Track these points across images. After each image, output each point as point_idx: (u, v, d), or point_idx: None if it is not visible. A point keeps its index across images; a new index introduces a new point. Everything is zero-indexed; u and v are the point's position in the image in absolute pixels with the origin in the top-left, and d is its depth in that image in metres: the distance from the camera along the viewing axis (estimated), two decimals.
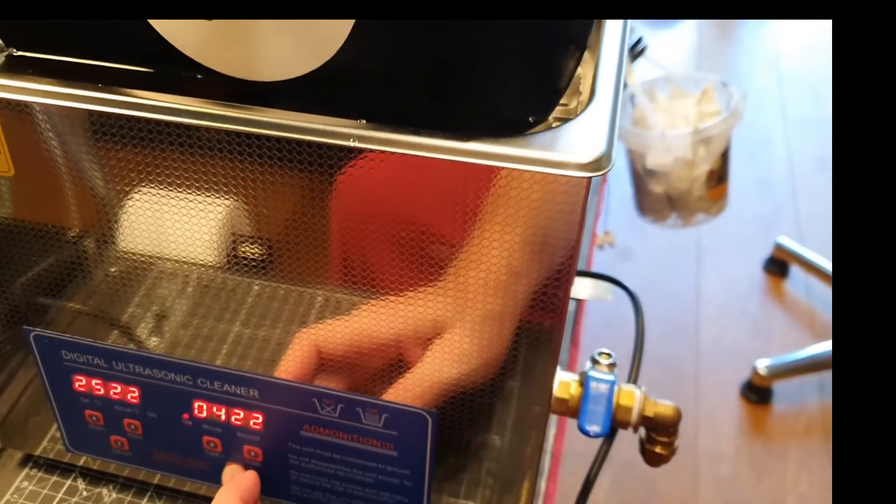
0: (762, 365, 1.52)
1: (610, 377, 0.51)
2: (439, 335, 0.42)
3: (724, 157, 1.01)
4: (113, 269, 0.48)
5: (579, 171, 0.35)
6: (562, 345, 0.71)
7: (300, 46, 0.42)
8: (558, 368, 0.53)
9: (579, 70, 0.47)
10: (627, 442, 0.57)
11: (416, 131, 0.37)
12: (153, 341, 0.49)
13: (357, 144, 0.37)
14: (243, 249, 0.45)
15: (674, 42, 2.43)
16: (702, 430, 1.50)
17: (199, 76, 0.46)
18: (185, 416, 0.49)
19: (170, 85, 0.46)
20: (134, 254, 0.46)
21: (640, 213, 1.12)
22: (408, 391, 0.44)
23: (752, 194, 1.96)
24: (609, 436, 0.53)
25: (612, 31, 0.45)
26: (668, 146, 0.97)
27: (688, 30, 2.48)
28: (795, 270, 1.76)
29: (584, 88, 0.45)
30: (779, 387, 1.55)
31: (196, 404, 0.49)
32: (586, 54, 0.47)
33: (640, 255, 1.82)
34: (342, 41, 0.43)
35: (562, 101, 0.43)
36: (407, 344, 0.43)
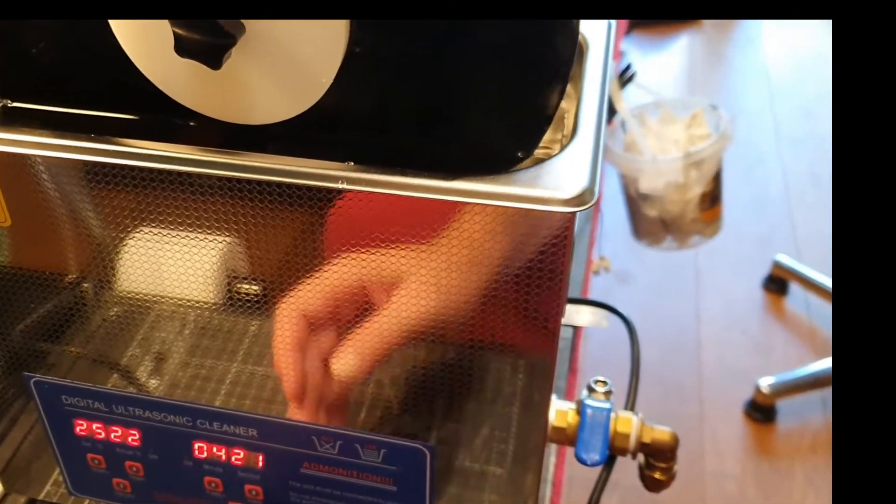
0: (765, 383, 1.52)
1: (606, 405, 0.51)
2: (403, 282, 0.42)
3: (717, 179, 1.02)
4: (110, 313, 0.48)
5: (564, 206, 0.35)
6: (558, 373, 0.71)
7: (288, 90, 0.43)
8: (554, 397, 0.53)
9: (563, 103, 0.47)
10: (633, 465, 0.57)
11: (403, 171, 0.38)
12: (153, 383, 0.50)
13: (345, 186, 0.38)
14: (239, 288, 0.46)
15: (665, 65, 2.45)
16: (707, 450, 1.50)
17: (191, 123, 0.47)
18: (186, 457, 0.50)
19: (163, 132, 0.47)
20: (131, 296, 0.47)
21: (636, 237, 1.13)
22: (371, 333, 0.43)
23: (749, 213, 1.97)
24: (608, 463, 0.54)
25: (594, 63, 0.46)
26: (660, 170, 0.98)
27: (679, 52, 2.50)
28: (795, 288, 1.77)
29: (568, 121, 0.45)
30: (782, 405, 1.55)
31: (196, 445, 0.49)
32: (569, 87, 0.48)
33: (639, 279, 1.82)
34: (328, 84, 0.44)
35: (547, 135, 0.44)
36: (376, 292, 0.42)
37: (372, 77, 0.44)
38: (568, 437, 0.52)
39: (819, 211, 1.94)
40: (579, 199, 0.35)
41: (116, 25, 0.42)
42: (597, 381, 0.54)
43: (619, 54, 2.39)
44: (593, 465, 0.47)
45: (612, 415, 0.53)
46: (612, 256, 1.80)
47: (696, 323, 1.74)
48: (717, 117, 1.02)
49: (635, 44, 2.49)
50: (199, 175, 0.40)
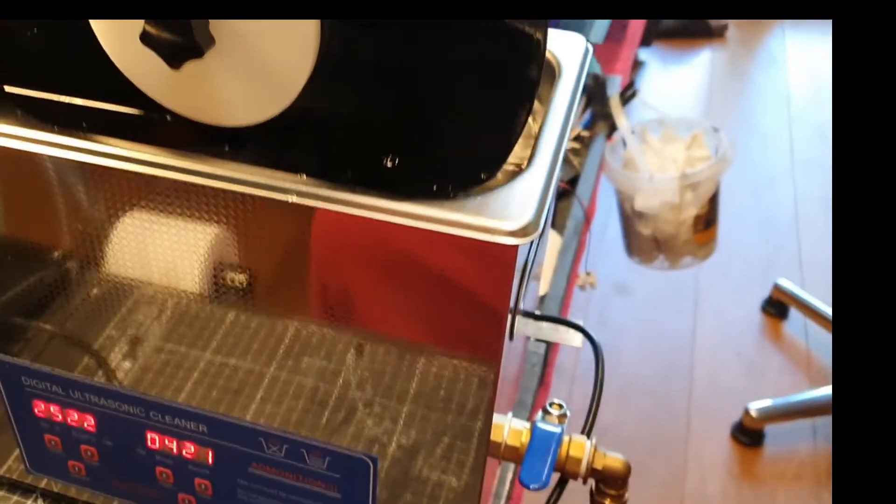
0: (754, 407, 1.52)
1: (556, 429, 0.51)
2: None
3: (713, 202, 1.02)
4: (78, 297, 0.49)
5: (507, 237, 0.36)
6: (526, 387, 0.71)
7: (258, 95, 0.44)
8: (510, 415, 0.54)
9: (530, 120, 0.48)
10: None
11: (353, 189, 0.38)
12: (120, 368, 0.50)
13: (296, 200, 0.38)
14: (224, 277, 0.46)
15: (686, 78, 2.44)
16: (690, 468, 1.49)
17: (168, 118, 0.47)
18: (139, 446, 0.51)
19: (142, 126, 0.48)
20: (97, 280, 0.47)
21: (628, 253, 1.13)
22: None
23: (755, 234, 1.96)
24: (559, 485, 0.54)
25: (565, 88, 0.46)
26: (656, 189, 0.97)
27: (700, 66, 2.49)
28: (795, 313, 1.76)
29: (530, 142, 0.45)
30: (771, 430, 1.54)
31: (149, 435, 0.50)
32: (537, 105, 0.48)
33: (638, 292, 1.82)
34: (299, 89, 0.44)
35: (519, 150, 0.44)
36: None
37: (340, 87, 0.44)
38: (520, 457, 0.53)
39: (827, 237, 1.93)
40: (522, 232, 0.36)
41: (98, 24, 0.42)
42: (552, 404, 0.54)
43: (638, 64, 2.38)
44: (535, 489, 0.47)
45: (566, 438, 0.53)
46: (613, 268, 1.79)
47: (692, 340, 1.74)
48: (718, 140, 1.02)
49: (657, 55, 2.48)
50: (157, 176, 0.40)
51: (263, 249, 0.42)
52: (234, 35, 0.41)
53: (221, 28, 0.41)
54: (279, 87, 0.43)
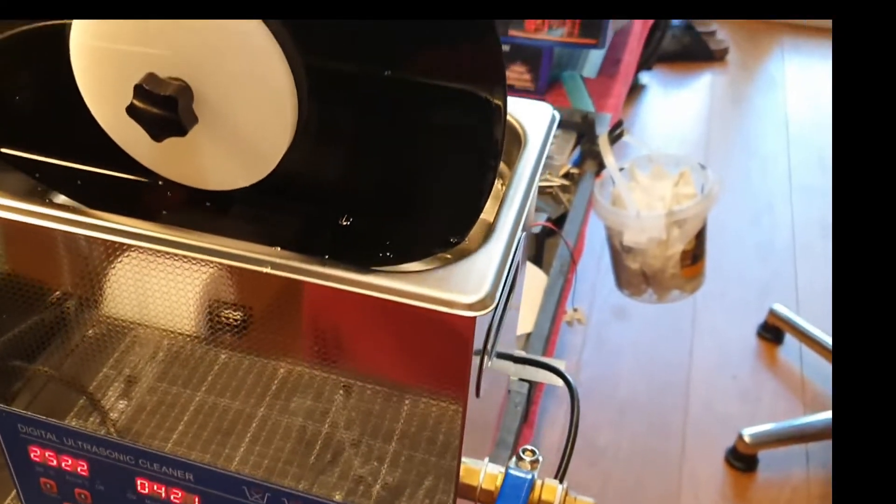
0: (748, 433, 1.53)
1: (527, 476, 0.54)
2: None
3: (699, 237, 1.04)
4: (69, 340, 0.52)
5: (465, 310, 0.38)
6: (508, 428, 0.74)
7: (242, 163, 0.46)
8: (486, 459, 0.56)
9: (498, 184, 0.50)
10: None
11: (323, 261, 0.41)
12: (115, 408, 0.53)
13: (271, 271, 0.41)
14: (219, 316, 0.48)
15: (686, 102, 2.47)
16: (684, 492, 1.51)
17: (160, 182, 0.50)
18: (130, 491, 0.53)
19: (131, 187, 0.51)
20: (99, 322, 0.50)
21: (618, 286, 1.15)
22: None
23: (752, 259, 1.98)
24: None
25: (528, 159, 0.48)
26: (643, 226, 1.00)
27: (700, 90, 2.51)
28: (790, 338, 1.77)
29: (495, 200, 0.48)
30: (764, 455, 1.56)
31: (139, 481, 0.53)
32: (506, 169, 0.51)
33: (635, 315, 1.84)
34: (279, 158, 0.47)
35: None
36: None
37: (317, 157, 0.47)
38: (495, 501, 0.55)
39: (824, 263, 1.95)
40: (480, 305, 0.38)
41: (83, 83, 0.45)
42: (525, 451, 0.56)
43: (639, 88, 2.41)
44: None
45: (538, 482, 0.55)
46: (611, 292, 1.81)
47: (688, 363, 1.75)
48: (705, 178, 1.04)
49: (657, 79, 2.50)
50: (140, 246, 0.43)
51: (249, 300, 0.44)
52: (216, 109, 0.44)
53: (204, 103, 0.44)
54: (260, 157, 0.45)
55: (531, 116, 0.50)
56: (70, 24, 0.45)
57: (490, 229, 0.43)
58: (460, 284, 0.39)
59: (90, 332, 0.52)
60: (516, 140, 0.49)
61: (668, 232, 1.00)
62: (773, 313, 1.77)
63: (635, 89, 2.40)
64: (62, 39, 0.46)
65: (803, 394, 1.69)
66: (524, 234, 0.49)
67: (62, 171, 0.53)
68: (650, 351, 1.78)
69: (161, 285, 0.45)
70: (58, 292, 0.50)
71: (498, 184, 0.52)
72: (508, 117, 0.50)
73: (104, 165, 0.52)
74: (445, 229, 0.46)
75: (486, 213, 0.47)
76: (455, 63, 0.42)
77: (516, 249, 0.44)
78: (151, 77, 0.42)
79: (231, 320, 0.46)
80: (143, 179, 0.51)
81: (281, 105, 0.43)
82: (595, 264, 1.84)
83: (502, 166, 0.52)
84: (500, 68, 0.42)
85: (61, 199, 0.55)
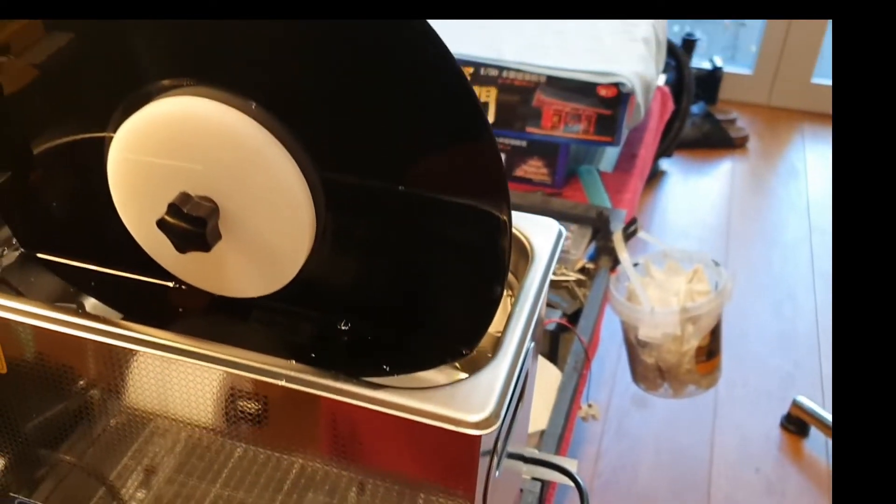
0: None
1: None
2: None
3: (714, 333, 1.05)
4: (92, 432, 0.53)
5: (470, 428, 0.40)
6: None
7: (263, 274, 0.49)
8: None
9: (508, 298, 0.52)
10: None
11: (336, 376, 0.42)
12: (134, 498, 0.54)
13: (286, 384, 0.43)
14: (236, 415, 0.50)
15: (706, 189, 2.49)
16: None
17: (184, 287, 0.53)
18: None
19: (159, 293, 0.53)
20: (121, 413, 0.52)
21: (634, 381, 1.16)
22: None
23: (774, 348, 1.97)
24: None
25: (535, 276, 0.50)
26: (657, 322, 1.01)
27: (721, 177, 2.54)
28: (815, 431, 1.75)
29: (501, 318, 0.50)
30: None
31: None
32: (512, 278, 0.53)
33: (656, 403, 1.83)
34: (297, 269, 0.49)
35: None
36: None
37: (333, 268, 0.49)
38: None
39: None
40: (485, 423, 0.40)
41: (117, 193, 0.48)
42: None
43: (660, 174, 2.44)
44: None
45: None
46: (631, 379, 1.81)
47: (710, 455, 1.73)
48: (719, 274, 1.05)
49: (677, 166, 2.53)
50: (164, 357, 0.45)
51: (266, 403, 0.46)
52: (239, 223, 0.47)
53: (228, 217, 0.47)
54: (280, 268, 0.48)
55: (539, 232, 0.52)
56: (109, 137, 0.49)
57: (497, 343, 0.45)
58: (466, 402, 0.41)
59: (112, 422, 0.54)
60: (524, 254, 0.51)
61: (683, 328, 1.01)
62: (796, 405, 1.75)
63: (655, 176, 2.43)
64: (99, 151, 0.50)
65: (829, 489, 1.66)
66: (533, 344, 0.51)
67: (92, 275, 0.56)
68: (671, 441, 1.76)
69: (181, 386, 0.47)
70: (82, 384, 0.52)
71: (507, 294, 0.54)
72: (517, 232, 0.52)
73: (132, 270, 0.55)
74: (457, 340, 0.48)
75: (496, 323, 0.48)
76: (460, 179, 0.45)
77: (523, 363, 0.46)
78: (185, 197, 0.45)
79: (247, 419, 0.48)
80: (168, 284, 0.53)
81: (299, 218, 0.46)
82: (616, 352, 1.84)
83: (511, 277, 0.54)
84: (504, 185, 0.44)
85: (91, 301, 0.58)
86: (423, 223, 0.47)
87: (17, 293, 0.55)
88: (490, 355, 0.46)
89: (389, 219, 0.48)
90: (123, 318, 0.58)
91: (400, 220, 0.47)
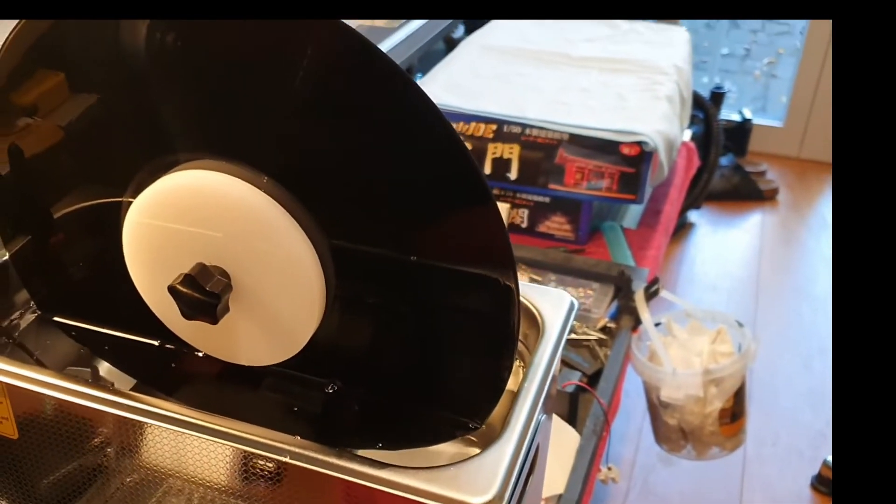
0: None
1: None
2: None
3: (738, 395, 1.03)
4: (107, 490, 0.53)
5: None
6: None
7: (271, 344, 0.49)
8: None
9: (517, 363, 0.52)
10: None
11: (340, 454, 0.42)
12: None
13: (289, 461, 0.43)
14: (245, 477, 0.49)
15: (735, 241, 2.47)
16: None
17: (194, 353, 0.53)
18: None
19: (170, 358, 0.54)
20: (135, 471, 0.52)
21: (657, 442, 1.14)
22: None
23: (805, 405, 1.93)
24: None
25: (545, 350, 0.50)
26: (680, 383, 0.99)
27: (750, 229, 2.52)
28: None
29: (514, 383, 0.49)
30: None
31: None
32: (523, 348, 0.52)
33: (683, 461, 1.79)
34: (307, 339, 0.49)
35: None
36: None
37: (342, 338, 0.49)
38: None
39: None
40: None
41: (130, 257, 0.49)
42: None
43: (688, 226, 2.43)
44: None
45: None
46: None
47: None
48: (742, 335, 1.04)
49: (706, 217, 2.52)
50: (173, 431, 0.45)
51: (272, 473, 0.46)
52: (249, 292, 0.47)
53: (239, 286, 0.47)
54: (290, 338, 0.48)
55: (550, 304, 0.52)
56: (126, 202, 0.50)
57: (505, 421, 0.44)
58: (472, 483, 0.40)
59: (123, 483, 0.53)
60: (535, 326, 0.51)
61: (706, 390, 1.00)
62: (827, 465, 1.71)
63: (683, 228, 2.42)
64: (116, 216, 0.50)
65: None
66: (543, 416, 0.50)
67: (106, 339, 0.56)
68: (698, 500, 1.72)
69: (190, 454, 0.47)
70: (94, 448, 0.52)
71: (518, 365, 0.53)
72: (528, 304, 0.52)
73: (144, 335, 0.55)
74: (466, 414, 0.48)
75: (511, 385, 0.48)
76: (465, 247, 0.45)
77: (532, 439, 0.45)
78: (200, 268, 0.45)
79: (255, 488, 0.47)
80: (179, 349, 0.53)
81: (309, 288, 0.46)
82: (642, 406, 1.82)
83: (522, 348, 0.53)
84: (509, 255, 0.44)
85: (106, 364, 0.59)
86: (430, 292, 0.47)
87: (33, 357, 0.55)
88: (499, 427, 0.46)
89: (397, 287, 0.48)
90: (136, 383, 0.58)
91: (407, 289, 0.47)
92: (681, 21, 1.91)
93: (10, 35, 0.46)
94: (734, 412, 1.03)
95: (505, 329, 0.45)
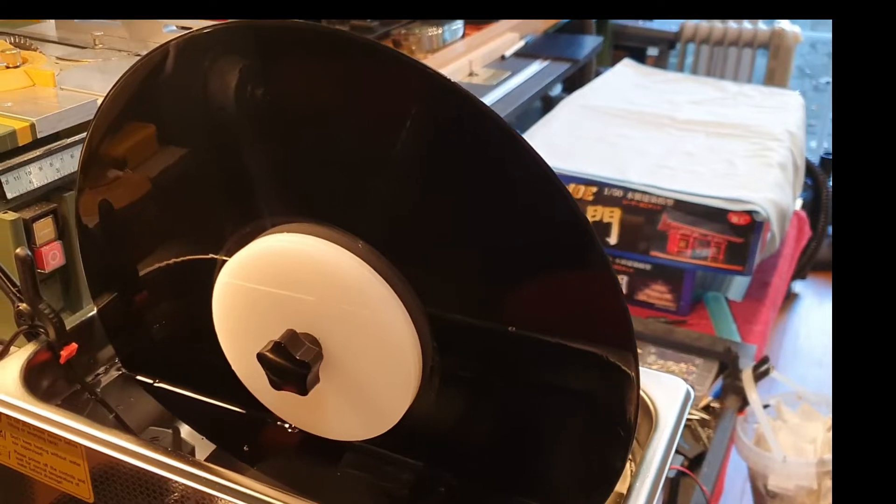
0: None
1: None
2: None
3: None
4: None
5: None
6: None
7: (364, 417, 0.46)
8: None
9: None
10: None
11: None
12: None
13: None
14: None
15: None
16: None
17: (279, 423, 0.50)
18: None
19: (254, 427, 0.51)
20: None
21: None
22: None
23: None
24: None
25: (660, 440, 0.45)
26: (790, 473, 0.92)
27: None
28: None
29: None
30: None
31: None
32: (636, 446, 0.48)
33: None
34: (398, 418, 0.46)
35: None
36: None
37: (437, 416, 0.45)
38: None
39: None
40: None
41: (220, 323, 0.46)
42: None
43: (792, 296, 2.31)
44: None
45: None
46: None
47: None
48: None
49: (811, 288, 2.40)
50: None
51: None
52: (342, 364, 0.44)
53: (331, 357, 0.44)
54: (382, 413, 0.45)
55: (664, 392, 0.47)
56: (218, 261, 0.48)
57: None
58: None
59: None
60: (647, 415, 0.46)
61: (820, 482, 0.92)
62: None
63: (787, 298, 2.31)
64: (206, 276, 0.48)
65: None
66: None
67: (188, 402, 0.54)
68: None
69: None
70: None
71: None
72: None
73: (227, 400, 0.53)
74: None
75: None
76: (579, 324, 0.41)
77: None
78: (291, 335, 0.43)
79: None
80: (263, 418, 0.51)
81: (405, 359, 0.43)
82: (749, 496, 1.71)
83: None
84: (630, 336, 0.40)
85: (187, 427, 0.56)
86: (536, 371, 0.43)
87: (112, 413, 0.54)
88: None
89: (500, 363, 0.44)
90: (215, 448, 0.56)
91: (511, 366, 0.44)
92: (790, 85, 1.85)
93: (108, 94, 0.46)
94: None
95: (620, 420, 0.41)
